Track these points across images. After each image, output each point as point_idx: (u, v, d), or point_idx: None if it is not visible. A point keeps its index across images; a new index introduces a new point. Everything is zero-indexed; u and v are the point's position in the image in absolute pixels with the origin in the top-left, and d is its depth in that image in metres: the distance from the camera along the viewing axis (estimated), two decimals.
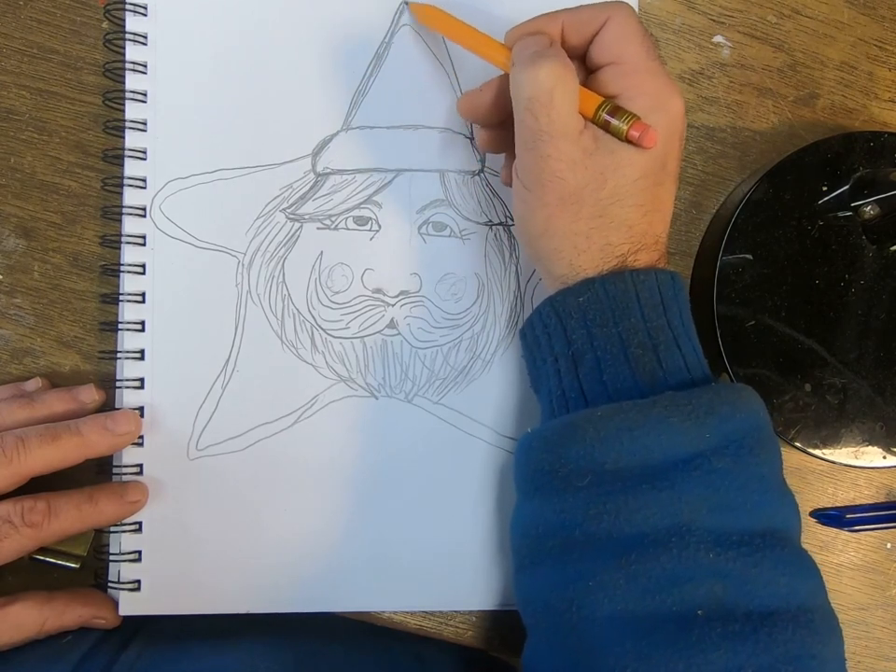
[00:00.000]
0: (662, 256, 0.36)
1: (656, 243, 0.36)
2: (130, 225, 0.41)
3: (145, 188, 0.41)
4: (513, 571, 0.37)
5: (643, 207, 0.35)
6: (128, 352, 0.41)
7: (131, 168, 0.41)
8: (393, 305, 0.43)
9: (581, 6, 0.37)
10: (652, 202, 0.35)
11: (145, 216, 0.41)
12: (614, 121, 0.34)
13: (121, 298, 0.41)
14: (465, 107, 0.40)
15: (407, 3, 0.43)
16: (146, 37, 0.41)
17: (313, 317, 0.42)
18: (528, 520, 0.35)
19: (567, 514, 0.33)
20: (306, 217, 0.42)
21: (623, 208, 0.35)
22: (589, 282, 0.35)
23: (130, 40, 0.41)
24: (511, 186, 0.39)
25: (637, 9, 0.45)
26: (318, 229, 0.42)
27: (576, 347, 0.35)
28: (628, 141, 0.34)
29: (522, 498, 0.36)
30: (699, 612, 0.30)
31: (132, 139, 0.41)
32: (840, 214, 0.44)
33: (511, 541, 0.37)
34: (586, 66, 0.37)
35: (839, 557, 0.48)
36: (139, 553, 0.40)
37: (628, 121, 0.33)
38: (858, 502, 0.48)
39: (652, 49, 0.35)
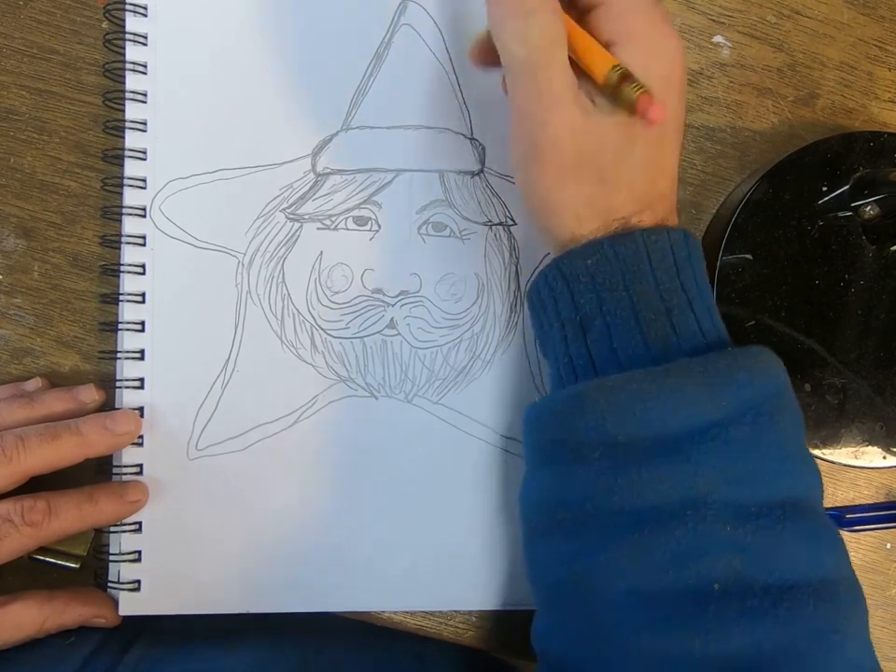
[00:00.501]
0: (669, 213, 0.35)
1: (661, 199, 0.34)
2: (130, 225, 0.41)
3: (145, 188, 0.41)
4: (524, 541, 0.36)
5: (644, 167, 0.33)
6: (128, 352, 0.41)
7: (131, 168, 0.41)
8: (393, 305, 0.43)
9: None
10: (654, 160, 0.34)
11: (145, 216, 0.41)
12: (624, 89, 0.31)
13: (121, 298, 0.41)
14: (477, 56, 0.38)
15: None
16: (146, 37, 0.41)
17: (312, 317, 0.42)
18: (538, 491, 0.34)
19: (578, 487, 0.32)
20: (306, 217, 0.42)
21: (623, 169, 0.33)
22: (597, 244, 0.33)
23: (130, 40, 0.41)
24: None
25: None
26: (318, 229, 0.42)
27: (584, 312, 0.33)
28: (634, 111, 0.32)
29: (531, 468, 0.35)
30: (716, 587, 0.29)
31: (132, 139, 0.41)
32: (840, 214, 0.44)
33: (521, 511, 0.36)
34: (577, 8, 0.35)
35: None
36: (139, 552, 0.40)
37: (636, 91, 0.31)
38: (857, 502, 0.48)
39: None
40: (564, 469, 0.33)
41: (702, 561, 0.29)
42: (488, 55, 0.37)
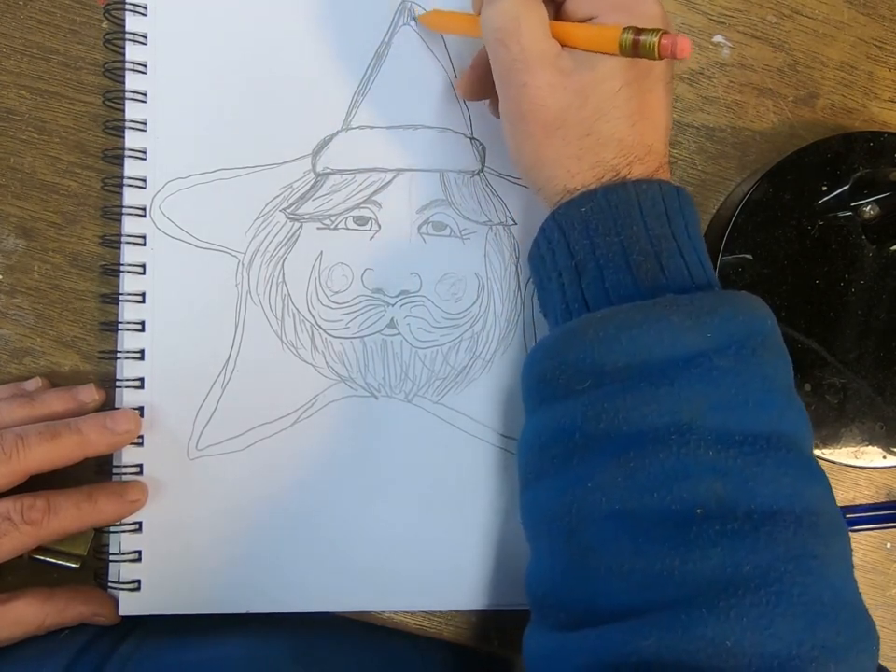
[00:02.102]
0: (660, 167, 0.35)
1: (649, 153, 0.35)
2: (130, 225, 0.41)
3: (145, 188, 0.41)
4: (520, 491, 0.36)
5: (630, 118, 0.34)
6: (128, 352, 0.41)
7: (131, 168, 0.41)
8: (393, 305, 0.43)
9: None
10: (640, 111, 0.34)
11: (145, 216, 0.41)
12: (643, 38, 0.32)
13: (121, 298, 0.41)
14: (465, 90, 0.40)
15: (415, 18, 0.43)
16: (146, 37, 0.41)
17: (313, 317, 0.42)
18: (531, 434, 0.35)
19: (566, 418, 0.33)
20: (306, 216, 0.42)
21: (609, 122, 0.34)
22: (591, 193, 0.34)
23: (130, 40, 0.41)
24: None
25: None
26: (318, 229, 0.42)
27: (579, 258, 0.34)
28: (661, 57, 0.32)
29: (527, 417, 0.36)
30: (698, 511, 0.30)
31: (132, 139, 0.41)
32: (840, 214, 0.44)
33: (518, 462, 0.37)
34: (552, 1, 0.36)
35: None
36: (139, 552, 0.40)
37: (656, 36, 0.31)
38: (858, 502, 0.48)
39: None
40: (555, 405, 0.33)
41: (685, 484, 0.30)
42: (475, 86, 0.40)
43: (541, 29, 0.34)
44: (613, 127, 0.34)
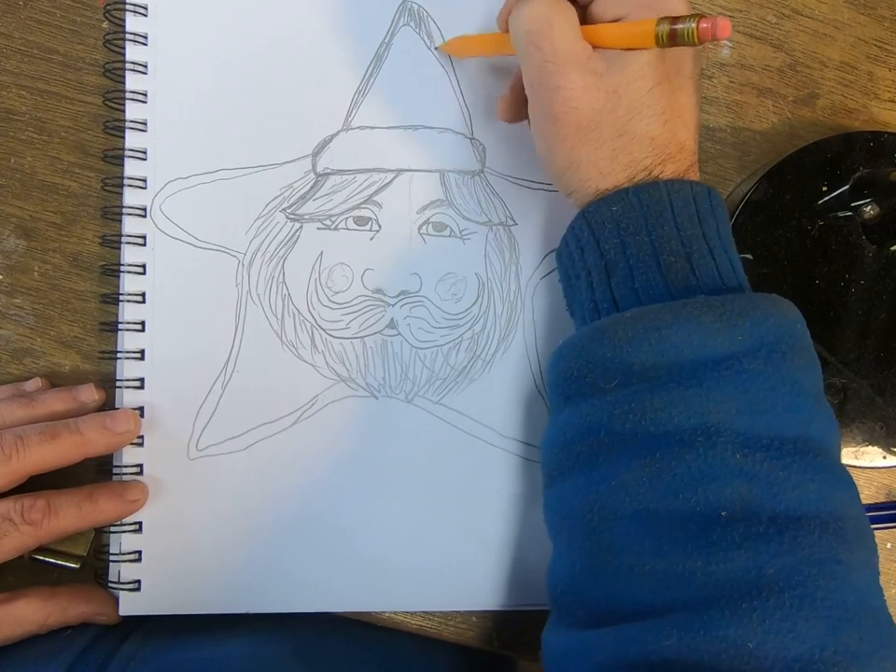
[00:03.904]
0: (691, 166, 0.35)
1: (681, 151, 0.35)
2: (130, 225, 0.41)
3: (145, 188, 0.41)
4: (543, 489, 0.36)
5: (662, 116, 0.34)
6: (128, 352, 0.41)
7: (131, 168, 0.41)
8: (393, 305, 0.43)
9: None
10: (672, 108, 0.34)
11: (145, 216, 0.41)
12: (680, 26, 0.31)
13: (121, 298, 0.41)
14: (506, 113, 0.41)
15: (437, 48, 0.43)
16: (146, 37, 0.41)
17: (313, 317, 0.42)
18: (556, 432, 0.35)
19: (593, 417, 0.33)
20: (306, 217, 0.42)
21: (642, 121, 0.34)
22: (622, 192, 0.34)
23: (130, 40, 0.41)
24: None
25: None
26: (318, 229, 0.42)
27: (609, 258, 0.34)
28: (701, 41, 0.31)
29: (552, 414, 0.36)
30: (722, 514, 0.29)
31: (132, 139, 0.41)
32: (840, 214, 0.44)
33: (541, 459, 0.37)
34: (578, 5, 0.36)
35: None
36: (139, 552, 0.40)
37: (693, 21, 0.31)
38: None
39: None
40: (582, 403, 0.33)
41: (710, 486, 0.30)
42: (516, 109, 0.40)
43: (573, 31, 0.34)
44: (646, 126, 0.34)
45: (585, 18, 0.36)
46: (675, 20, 0.32)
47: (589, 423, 0.33)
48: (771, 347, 0.31)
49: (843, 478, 0.32)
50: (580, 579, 0.33)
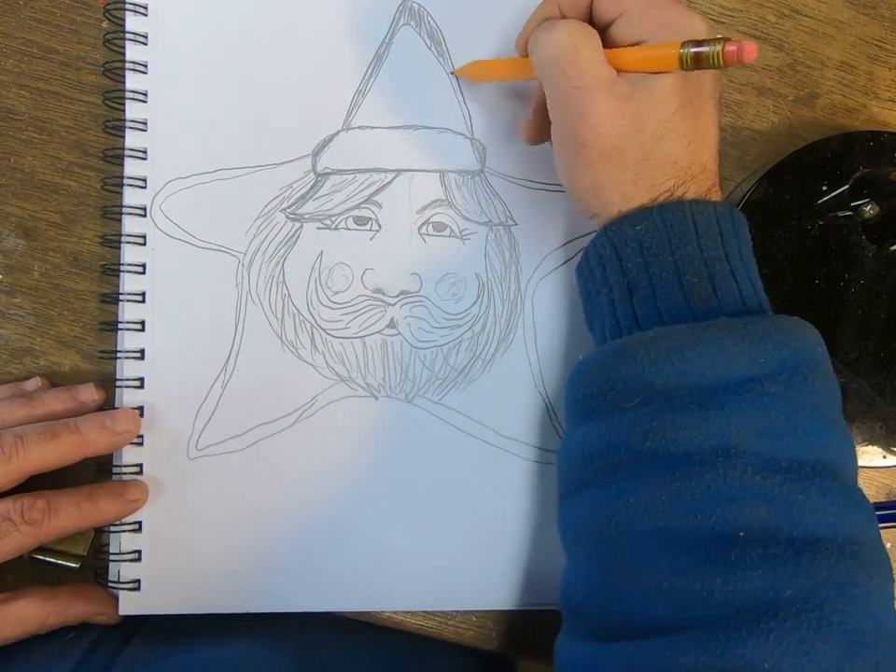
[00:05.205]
0: (712, 186, 0.36)
1: (703, 171, 0.35)
2: (130, 225, 0.41)
3: (145, 187, 0.41)
4: (558, 500, 0.37)
5: (686, 138, 0.34)
6: (128, 352, 0.41)
7: (131, 168, 0.41)
8: (393, 305, 0.43)
9: None
10: (694, 130, 0.35)
11: (145, 215, 0.41)
12: (705, 49, 0.31)
13: (121, 298, 0.41)
14: (529, 135, 0.41)
15: (452, 72, 0.43)
16: (146, 37, 0.41)
17: (313, 317, 0.42)
18: (574, 446, 0.35)
19: (612, 434, 0.33)
20: (306, 216, 0.42)
21: (666, 145, 0.34)
22: (646, 211, 0.34)
23: (130, 40, 0.41)
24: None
25: None
26: (318, 229, 0.42)
27: (631, 276, 0.34)
28: (726, 64, 0.31)
29: (570, 428, 0.36)
30: (741, 534, 0.30)
31: (132, 139, 0.41)
32: (840, 214, 0.44)
33: (557, 471, 0.37)
34: (596, 28, 0.36)
35: None
36: (139, 552, 0.40)
37: (719, 44, 0.31)
38: None
39: None
40: (601, 420, 0.33)
41: (729, 507, 0.30)
42: (539, 131, 0.40)
43: (598, 55, 0.34)
44: (670, 149, 0.34)
45: (605, 41, 0.35)
46: (699, 43, 0.32)
47: (609, 440, 0.33)
48: (792, 371, 0.32)
49: (860, 502, 0.32)
50: (595, 592, 0.33)
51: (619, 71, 0.35)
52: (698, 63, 0.32)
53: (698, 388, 0.31)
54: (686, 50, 0.32)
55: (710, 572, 0.30)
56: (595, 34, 0.34)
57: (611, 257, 0.35)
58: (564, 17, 0.37)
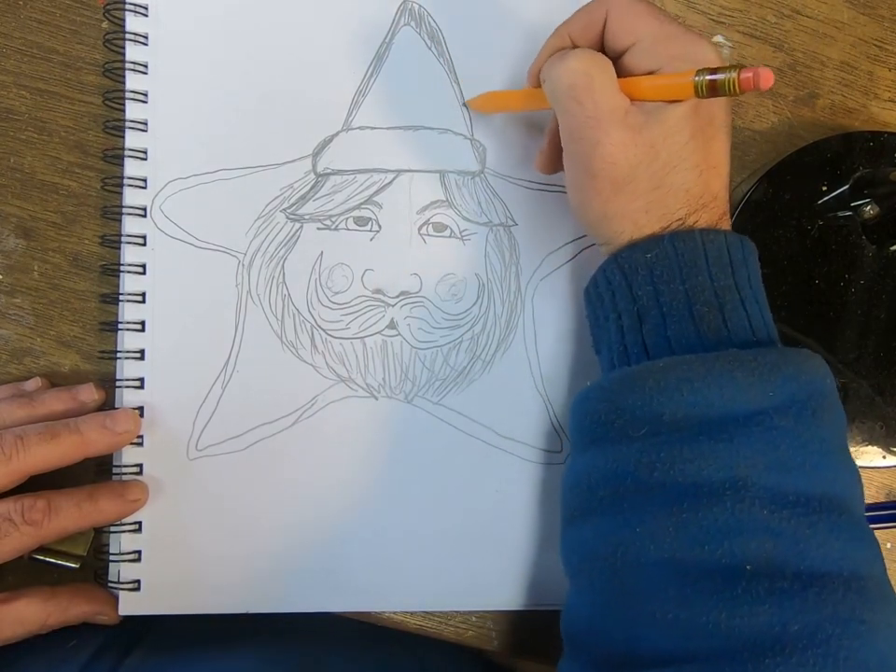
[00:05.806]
0: (723, 215, 0.36)
1: (714, 200, 0.35)
2: (130, 225, 0.41)
3: (145, 188, 0.41)
4: (562, 526, 0.37)
5: (698, 168, 0.34)
6: (128, 352, 0.41)
7: (131, 168, 0.41)
8: (393, 306, 0.43)
9: (577, 11, 0.37)
10: (706, 160, 0.35)
11: (145, 216, 0.41)
12: (720, 76, 0.31)
13: (121, 298, 0.41)
14: (544, 166, 0.41)
15: (465, 104, 0.43)
16: (146, 37, 0.41)
17: (313, 318, 0.42)
18: (580, 472, 0.35)
19: (619, 463, 0.33)
20: (306, 217, 0.42)
21: (678, 174, 0.34)
22: (657, 239, 0.34)
23: (130, 40, 0.41)
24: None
25: None
26: (318, 229, 0.42)
27: (641, 304, 0.34)
28: (742, 91, 0.31)
29: (575, 453, 0.36)
30: (748, 567, 0.30)
31: (132, 139, 0.41)
32: (840, 214, 0.44)
33: (562, 496, 0.37)
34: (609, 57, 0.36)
35: None
36: (139, 552, 0.40)
37: (734, 72, 0.31)
38: None
39: (661, 15, 0.35)
40: (608, 448, 0.33)
41: (736, 540, 0.30)
42: (552, 163, 0.41)
43: (612, 85, 0.34)
44: (682, 179, 0.34)
45: (618, 70, 0.35)
46: (714, 70, 0.32)
47: (615, 469, 0.33)
48: (802, 405, 0.32)
49: (866, 537, 0.32)
50: (599, 620, 0.33)
51: (632, 100, 0.35)
52: (714, 90, 0.32)
53: (707, 420, 0.31)
54: (701, 78, 0.32)
55: (716, 605, 0.29)
56: (608, 63, 0.34)
57: (621, 283, 0.35)
58: (575, 46, 0.36)
